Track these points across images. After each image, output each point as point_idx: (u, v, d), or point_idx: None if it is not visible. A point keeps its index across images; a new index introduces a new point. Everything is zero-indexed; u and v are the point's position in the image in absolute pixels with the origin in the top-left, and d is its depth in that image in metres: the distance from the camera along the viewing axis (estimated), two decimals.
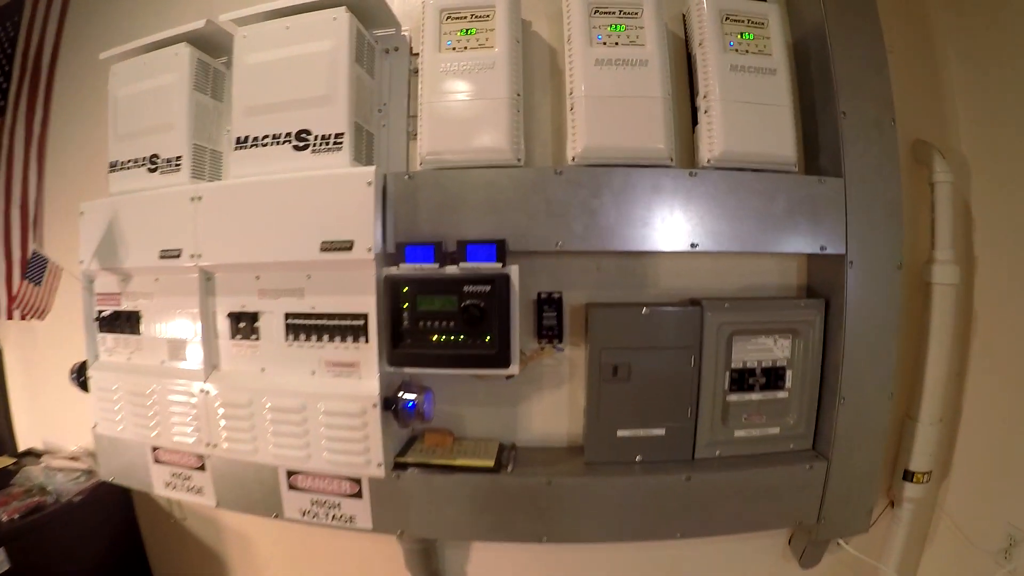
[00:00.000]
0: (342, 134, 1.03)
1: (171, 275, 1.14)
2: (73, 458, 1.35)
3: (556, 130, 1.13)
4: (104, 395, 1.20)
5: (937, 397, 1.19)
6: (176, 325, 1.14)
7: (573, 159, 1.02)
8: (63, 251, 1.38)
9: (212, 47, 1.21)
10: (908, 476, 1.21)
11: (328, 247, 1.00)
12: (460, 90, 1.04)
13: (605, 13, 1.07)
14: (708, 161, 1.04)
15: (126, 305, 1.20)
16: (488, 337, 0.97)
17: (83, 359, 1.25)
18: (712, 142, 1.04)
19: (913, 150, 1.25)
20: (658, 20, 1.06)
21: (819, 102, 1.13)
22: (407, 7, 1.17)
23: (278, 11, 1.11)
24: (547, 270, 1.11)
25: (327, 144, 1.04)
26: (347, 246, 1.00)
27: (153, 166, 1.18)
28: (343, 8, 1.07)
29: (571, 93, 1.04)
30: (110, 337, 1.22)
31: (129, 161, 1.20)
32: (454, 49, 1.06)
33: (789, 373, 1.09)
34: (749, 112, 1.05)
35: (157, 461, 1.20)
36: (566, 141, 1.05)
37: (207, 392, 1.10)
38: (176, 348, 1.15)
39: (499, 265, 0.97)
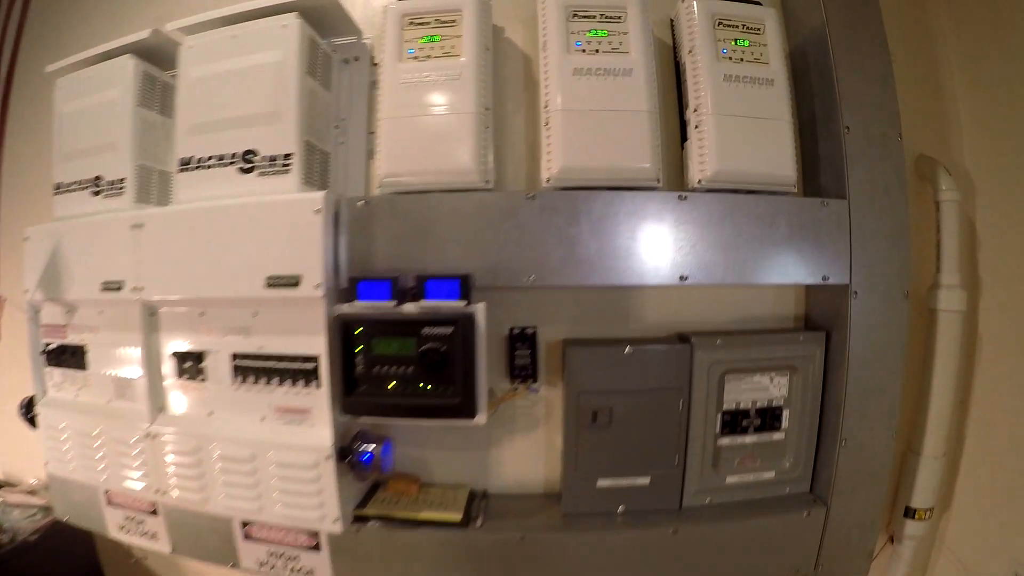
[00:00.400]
0: (291, 155, 0.80)
1: (115, 308, 0.91)
2: (31, 492, 1.13)
3: (531, 148, 0.89)
4: (52, 433, 0.98)
5: (941, 431, 0.97)
6: (121, 362, 0.91)
7: (548, 180, 0.79)
8: (14, 279, 1.15)
9: (162, 58, 0.96)
10: (909, 513, 1.00)
11: (273, 283, 0.77)
12: (422, 104, 0.81)
13: (584, 17, 0.83)
14: (699, 182, 0.82)
15: (72, 338, 0.97)
16: (450, 385, 0.76)
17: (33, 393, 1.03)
18: (704, 160, 0.81)
19: (916, 166, 1.02)
20: (643, 25, 0.83)
21: (820, 115, 0.90)
22: (370, 12, 0.93)
23: (226, 18, 0.87)
24: (521, 302, 0.88)
25: (274, 166, 0.81)
26: (294, 282, 0.77)
27: (97, 189, 0.95)
28: (293, 15, 0.83)
29: (546, 106, 0.81)
30: (57, 372, 0.99)
31: (73, 183, 0.97)
32: (416, 58, 0.83)
33: (786, 413, 0.88)
34: (745, 127, 0.82)
35: (110, 503, 0.98)
36: (541, 160, 0.82)
37: (153, 436, 0.89)
38: (122, 387, 0.92)
39: (463, 303, 0.75)
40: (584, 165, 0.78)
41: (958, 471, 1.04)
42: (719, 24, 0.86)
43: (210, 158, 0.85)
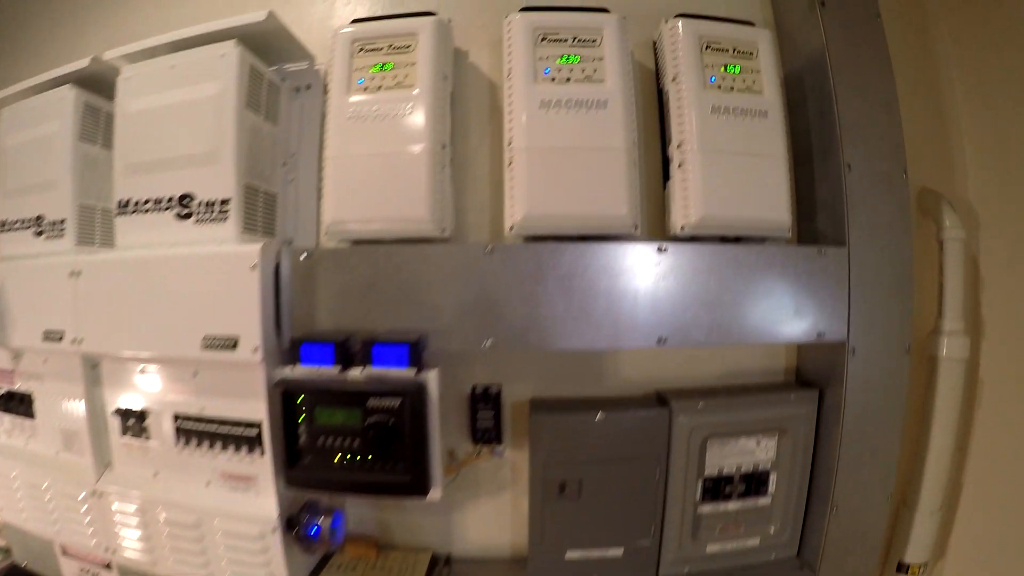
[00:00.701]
0: (228, 201, 0.65)
1: (58, 358, 0.77)
2: None
3: (496, 186, 0.72)
4: (5, 481, 0.84)
5: (939, 485, 0.82)
6: (67, 414, 0.77)
7: (511, 229, 0.63)
8: None
9: (107, 87, 0.78)
10: (903, 568, 0.86)
11: (210, 344, 0.63)
12: (371, 142, 0.65)
13: (555, 40, 0.66)
14: (682, 228, 0.65)
15: (20, 385, 0.83)
16: (400, 460, 0.60)
17: None
18: (688, 204, 0.65)
19: (919, 200, 0.85)
20: (621, 49, 0.66)
21: (818, 150, 0.73)
22: (324, 35, 0.74)
23: (165, 46, 0.71)
24: (483, 358, 0.73)
25: (211, 212, 0.66)
26: (231, 344, 0.62)
27: (39, 229, 0.80)
28: (232, 42, 0.67)
29: (509, 143, 0.64)
30: (7, 418, 0.85)
31: (16, 222, 0.82)
32: (367, 89, 0.66)
33: (773, 477, 0.72)
34: (734, 165, 0.65)
35: (65, 553, 0.85)
36: (505, 204, 0.65)
37: (99, 495, 0.76)
38: (69, 439, 0.78)
39: (412, 372, 0.61)
40: (551, 212, 0.62)
41: (954, 522, 0.91)
42: (707, 48, 0.69)
43: (147, 201, 0.70)
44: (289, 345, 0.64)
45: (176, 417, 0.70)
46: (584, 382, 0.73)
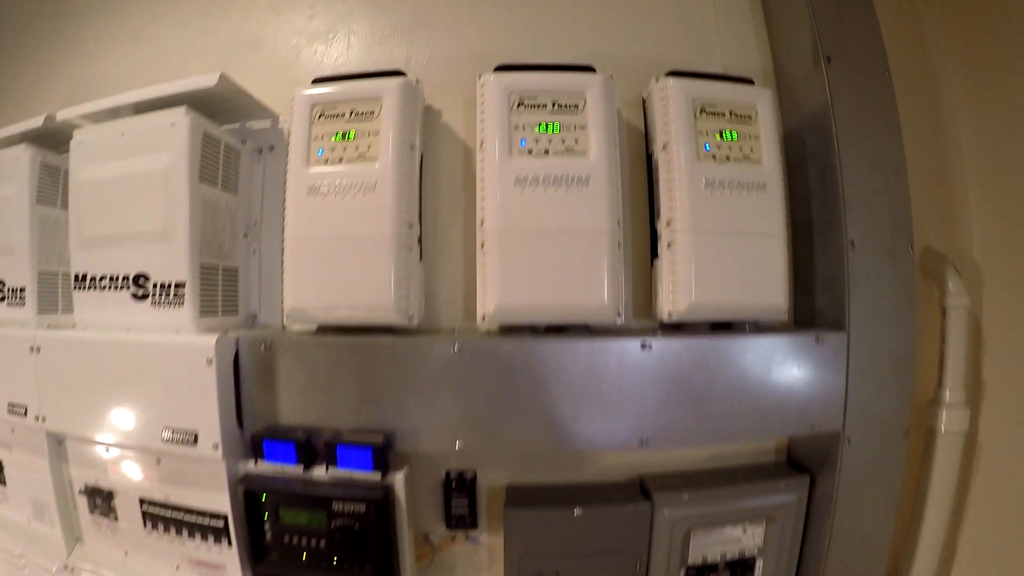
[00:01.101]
0: (183, 284, 0.57)
1: (24, 429, 0.71)
2: None
3: (470, 263, 0.61)
4: None
5: (932, 559, 0.75)
6: (35, 484, 0.71)
7: (483, 319, 0.55)
8: None
9: (67, 146, 0.67)
10: None
11: (170, 439, 0.56)
12: (332, 221, 0.56)
13: (533, 106, 0.56)
14: (669, 315, 0.57)
15: None
16: (367, 564, 0.54)
17: None
18: (677, 290, 0.56)
19: (921, 262, 0.76)
20: (607, 116, 0.56)
21: (818, 222, 0.63)
22: (288, 88, 0.63)
23: (114, 110, 0.63)
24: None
25: (167, 295, 0.58)
26: (191, 439, 0.56)
27: (1, 295, 0.76)
28: (183, 109, 0.58)
29: (481, 224, 0.56)
30: None
31: None
32: (327, 161, 0.57)
33: (759, 563, 0.66)
34: (729, 246, 0.56)
35: None
36: (477, 290, 0.56)
37: (71, 570, 0.70)
38: (40, 509, 0.72)
39: (378, 475, 0.54)
40: (526, 302, 0.54)
41: None
42: (702, 111, 0.59)
43: (103, 278, 0.62)
44: (250, 441, 0.58)
45: (142, 501, 0.65)
46: (563, 466, 0.65)
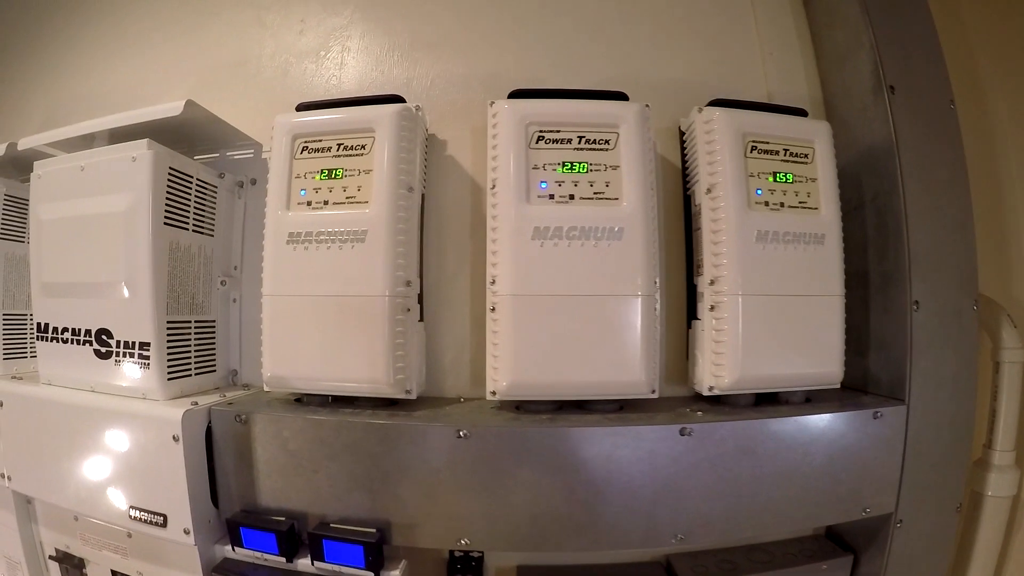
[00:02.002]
0: (148, 344, 0.43)
1: None
2: None
3: (478, 321, 0.48)
4: None
5: None
6: (7, 542, 0.57)
7: (493, 394, 0.41)
8: None
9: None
10: None
11: (138, 518, 0.43)
12: (316, 279, 0.42)
13: (555, 142, 0.41)
14: (711, 389, 0.43)
15: None
16: None
17: None
18: (720, 360, 0.42)
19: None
20: (643, 153, 0.41)
21: (876, 279, 0.49)
22: (272, 115, 0.47)
23: (72, 141, 0.49)
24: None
25: (131, 355, 0.44)
26: (160, 521, 0.42)
27: None
28: (144, 143, 0.43)
29: (492, 283, 0.41)
30: None
31: None
32: (310, 204, 0.42)
33: None
34: (781, 309, 0.42)
35: None
36: (487, 359, 0.42)
37: None
38: (13, 568, 0.58)
39: (371, 575, 0.41)
40: (545, 380, 0.40)
41: None
42: (753, 148, 0.44)
43: (65, 331, 0.48)
44: (227, 526, 0.45)
45: (114, 574, 0.53)
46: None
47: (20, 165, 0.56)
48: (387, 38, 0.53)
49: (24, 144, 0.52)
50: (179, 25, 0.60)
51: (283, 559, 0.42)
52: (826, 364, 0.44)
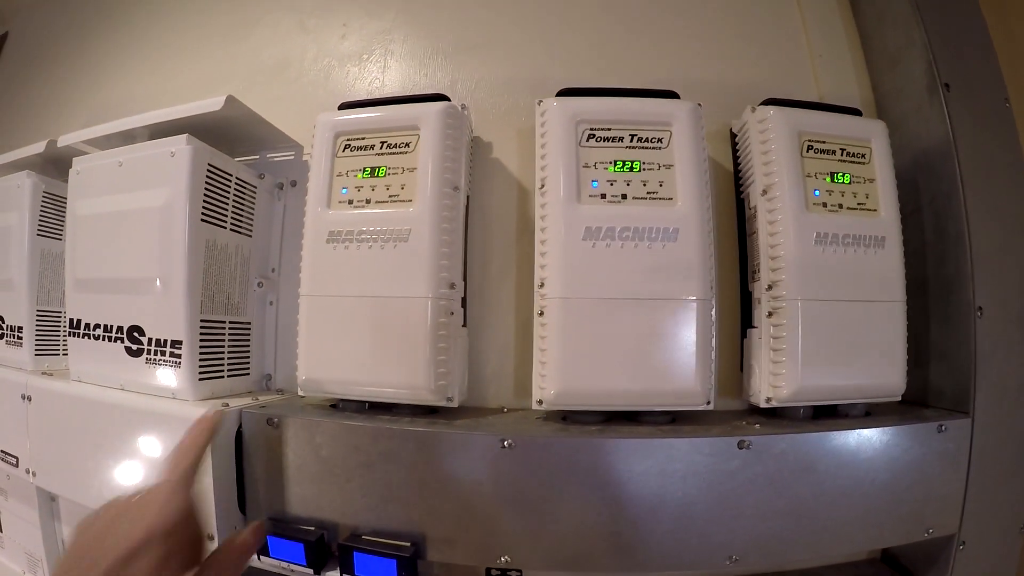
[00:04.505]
0: (180, 342, 0.39)
1: (18, 479, 0.52)
2: None
3: (525, 329, 0.42)
4: None
5: None
6: (29, 538, 0.53)
7: (540, 403, 0.35)
8: None
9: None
10: None
11: None
12: (356, 279, 0.37)
13: (606, 140, 0.36)
14: (768, 401, 0.37)
15: None
16: None
17: None
18: (779, 370, 0.36)
19: None
20: (696, 151, 0.36)
21: (936, 285, 0.42)
22: (313, 118, 0.42)
23: (120, 135, 0.44)
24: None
25: (162, 353, 0.39)
26: None
27: (0, 331, 0.59)
28: (184, 137, 0.39)
29: (541, 286, 0.35)
30: None
31: None
32: (352, 203, 0.38)
33: None
34: (842, 316, 0.36)
35: None
36: (534, 366, 0.37)
37: None
38: (33, 565, 0.54)
39: None
40: (594, 388, 0.34)
41: None
42: (809, 149, 0.39)
43: (97, 327, 0.43)
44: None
45: None
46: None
47: (61, 165, 0.52)
48: (430, 41, 0.49)
49: (64, 141, 0.48)
50: (221, 31, 0.57)
51: (311, 571, 0.37)
52: (888, 375, 0.38)
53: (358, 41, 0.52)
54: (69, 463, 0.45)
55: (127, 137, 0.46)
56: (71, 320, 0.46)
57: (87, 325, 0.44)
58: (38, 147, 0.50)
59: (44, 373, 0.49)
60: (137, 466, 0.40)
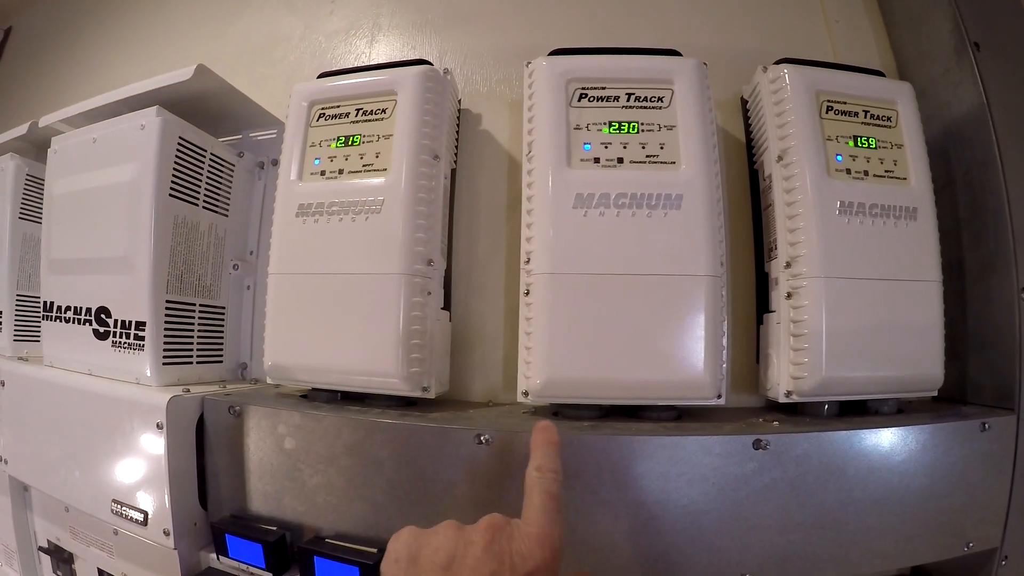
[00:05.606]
0: (144, 324, 0.34)
1: None
2: None
3: (515, 315, 0.34)
4: None
5: None
6: (2, 528, 0.48)
7: (526, 395, 0.29)
8: None
9: None
10: None
11: (119, 513, 0.33)
12: (326, 255, 0.31)
13: (600, 99, 0.31)
14: (788, 395, 0.30)
15: None
16: None
17: None
18: (800, 359, 0.29)
19: None
20: (702, 110, 0.30)
21: (972, 266, 0.35)
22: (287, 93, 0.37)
23: (90, 113, 0.40)
24: None
25: (127, 335, 0.35)
26: (140, 519, 0.32)
27: None
28: (154, 109, 0.34)
29: (526, 261, 0.30)
30: None
31: None
32: (323, 174, 0.32)
33: None
34: (870, 297, 0.29)
35: None
36: (520, 354, 0.31)
37: None
38: (8, 556, 0.49)
39: None
40: (586, 377, 0.28)
41: None
42: (828, 110, 0.33)
43: (68, 309, 0.39)
44: (211, 530, 0.35)
45: (100, 572, 0.41)
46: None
47: (45, 147, 0.48)
48: (419, 14, 0.44)
49: (45, 121, 0.44)
50: (211, 13, 0.53)
51: (270, 574, 0.32)
52: (923, 365, 0.31)
53: (346, 16, 0.48)
54: (37, 451, 0.40)
55: (108, 115, 0.42)
56: (45, 303, 0.41)
57: (59, 308, 0.40)
58: (20, 129, 0.47)
59: (20, 358, 0.46)
60: (95, 454, 0.35)
